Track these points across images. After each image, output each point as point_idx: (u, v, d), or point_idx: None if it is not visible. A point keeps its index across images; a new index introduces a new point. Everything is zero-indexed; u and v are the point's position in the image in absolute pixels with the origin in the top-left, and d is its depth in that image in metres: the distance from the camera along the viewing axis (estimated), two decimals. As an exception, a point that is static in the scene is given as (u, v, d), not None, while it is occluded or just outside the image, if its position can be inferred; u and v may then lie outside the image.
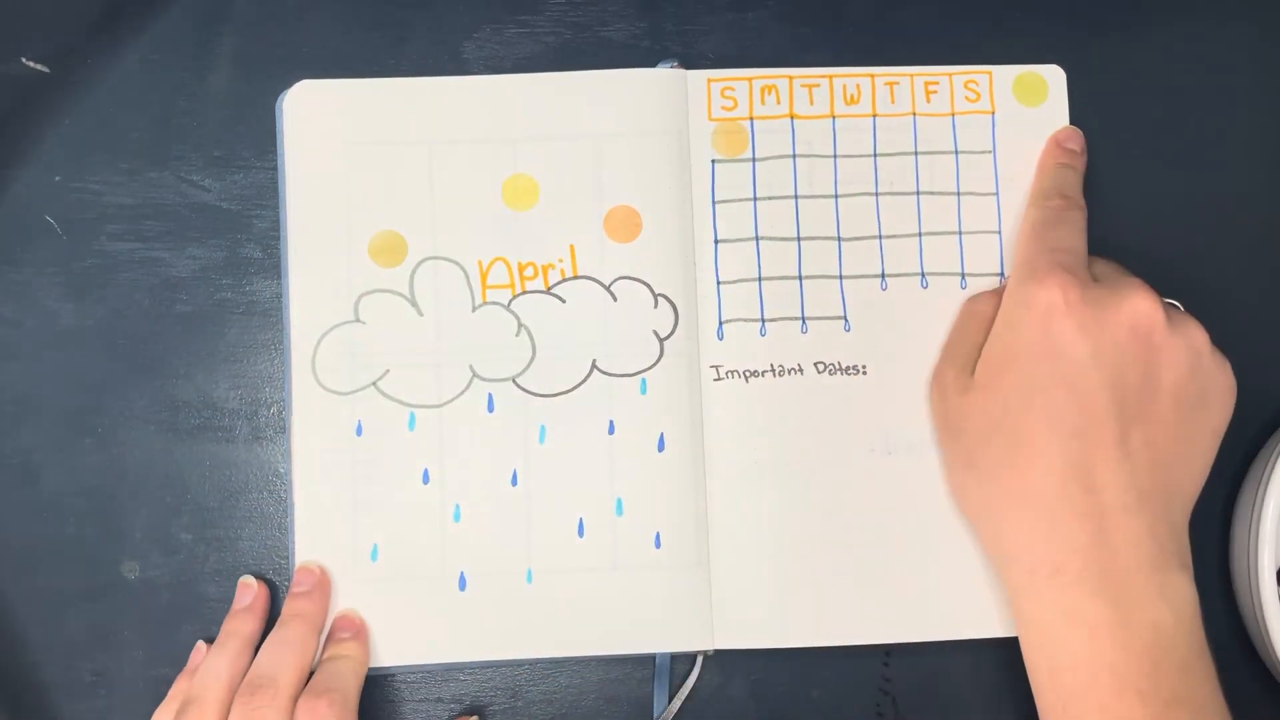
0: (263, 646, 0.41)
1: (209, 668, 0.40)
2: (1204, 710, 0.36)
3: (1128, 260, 0.45)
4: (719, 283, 0.44)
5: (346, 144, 0.44)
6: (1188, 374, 0.39)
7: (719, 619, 0.43)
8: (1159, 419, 0.38)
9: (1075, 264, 0.40)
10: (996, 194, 0.45)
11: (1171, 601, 0.37)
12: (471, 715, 0.43)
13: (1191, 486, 0.40)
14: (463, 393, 0.43)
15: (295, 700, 0.39)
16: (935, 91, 0.45)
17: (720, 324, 0.44)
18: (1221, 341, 0.43)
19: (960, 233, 0.45)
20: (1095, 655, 0.36)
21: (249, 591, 0.43)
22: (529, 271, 0.44)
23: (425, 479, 0.43)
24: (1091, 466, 0.38)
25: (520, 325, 0.44)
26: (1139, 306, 0.38)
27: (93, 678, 0.43)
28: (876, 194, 0.45)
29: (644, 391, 0.43)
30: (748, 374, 0.44)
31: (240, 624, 0.42)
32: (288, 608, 0.42)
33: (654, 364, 0.44)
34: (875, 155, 0.45)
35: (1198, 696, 0.36)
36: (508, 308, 0.44)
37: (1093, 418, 0.38)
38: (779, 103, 0.45)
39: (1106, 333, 0.38)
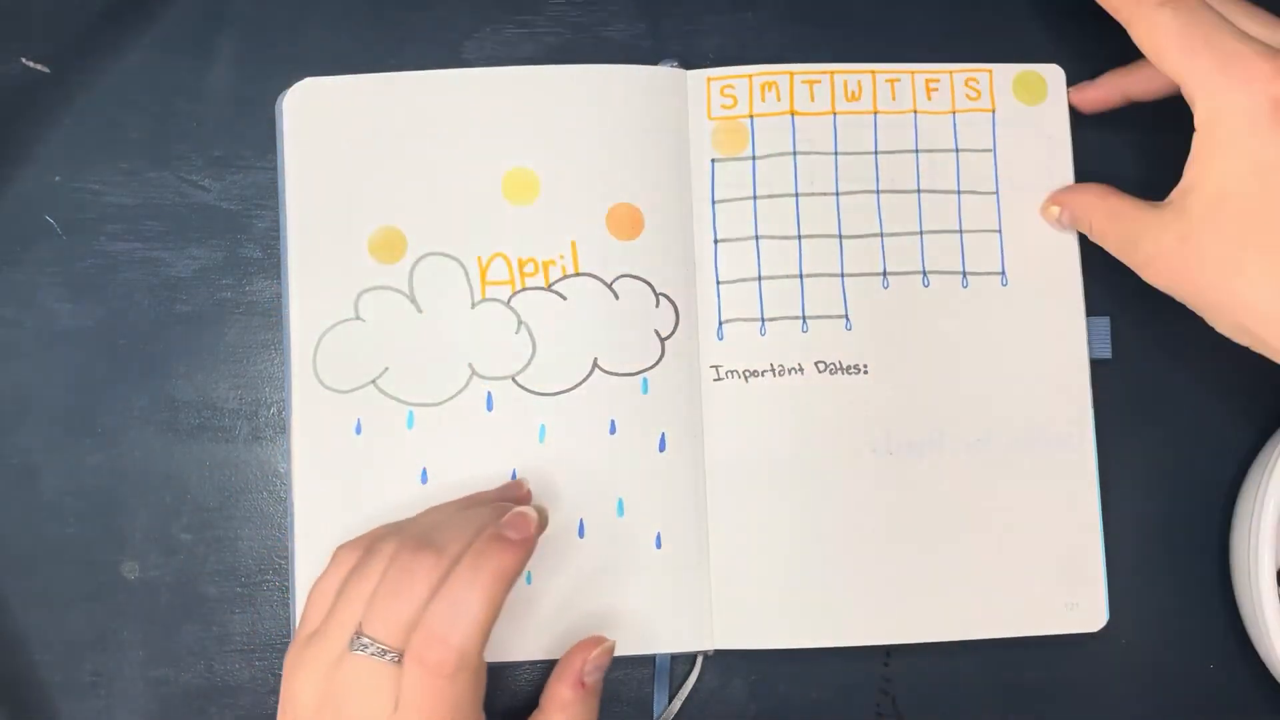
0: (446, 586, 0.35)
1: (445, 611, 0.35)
2: None
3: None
4: (719, 283, 0.44)
5: (347, 141, 0.44)
6: None
7: (719, 619, 0.43)
8: None
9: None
10: (996, 192, 0.45)
11: None
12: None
13: None
14: (461, 391, 0.43)
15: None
16: (936, 89, 0.45)
17: (720, 324, 0.44)
18: (1221, 341, 0.42)
19: (961, 231, 0.45)
20: None
21: (527, 525, 0.37)
22: (529, 268, 0.44)
23: (424, 478, 0.43)
24: None
25: (520, 322, 0.44)
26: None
27: (93, 678, 0.43)
28: (878, 191, 0.45)
29: (645, 391, 0.43)
30: (748, 374, 0.44)
31: (498, 557, 0.36)
32: (495, 549, 0.36)
33: (655, 363, 0.44)
34: (876, 152, 0.45)
35: None
36: (507, 305, 0.44)
37: None
38: (779, 99, 0.45)
39: None
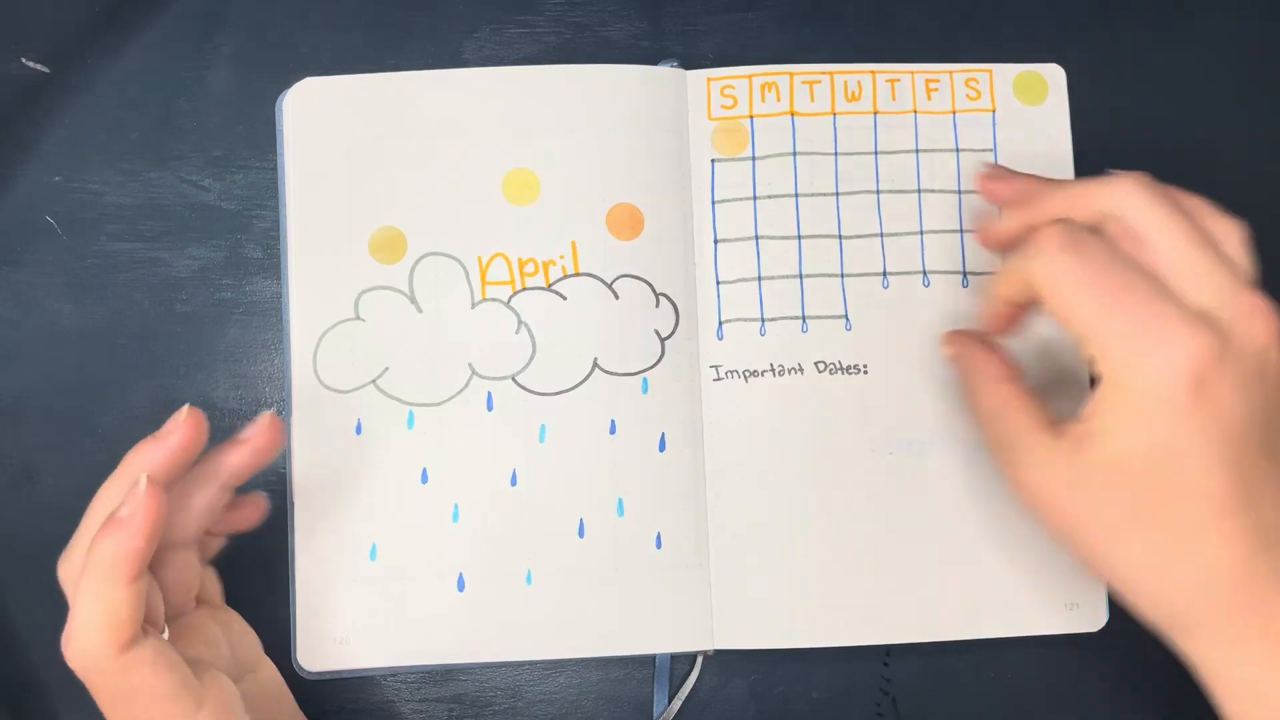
0: None
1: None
2: None
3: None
4: (719, 283, 0.44)
5: (347, 141, 0.44)
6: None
7: (719, 619, 0.43)
8: None
9: None
10: (997, 192, 0.45)
11: None
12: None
13: None
14: (461, 391, 0.43)
15: None
16: (936, 89, 0.45)
17: (720, 324, 0.44)
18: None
19: (962, 230, 0.45)
20: None
21: (134, 496, 0.35)
22: (529, 268, 0.44)
23: (424, 478, 0.43)
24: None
25: (520, 322, 0.44)
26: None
27: (92, 678, 0.43)
28: (878, 191, 0.45)
29: (645, 391, 0.43)
30: (747, 374, 0.44)
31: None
32: None
33: (655, 363, 0.44)
34: (876, 153, 0.45)
35: None
36: (507, 304, 0.44)
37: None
38: (779, 100, 0.45)
39: None
